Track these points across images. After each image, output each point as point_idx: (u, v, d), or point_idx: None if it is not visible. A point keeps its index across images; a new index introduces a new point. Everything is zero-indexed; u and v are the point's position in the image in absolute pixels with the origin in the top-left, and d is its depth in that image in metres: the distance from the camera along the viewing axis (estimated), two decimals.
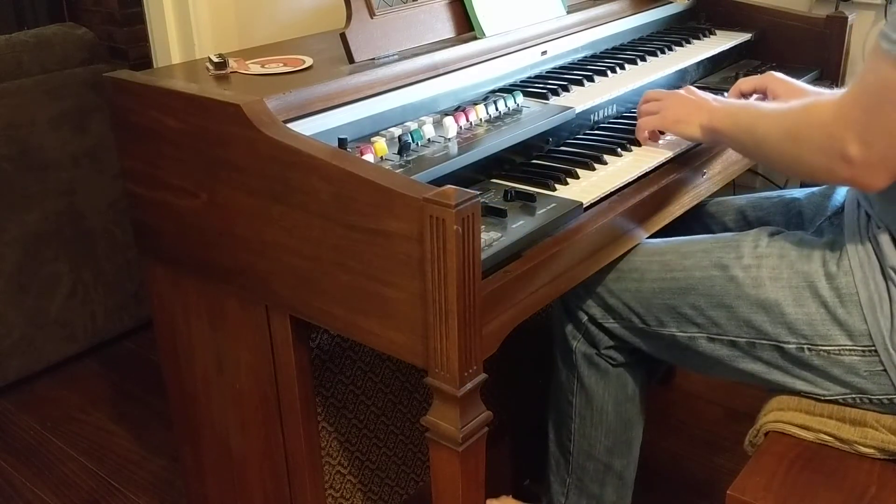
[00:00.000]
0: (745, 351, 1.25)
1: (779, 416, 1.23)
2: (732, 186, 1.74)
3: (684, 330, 1.29)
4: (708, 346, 1.28)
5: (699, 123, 1.32)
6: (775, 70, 1.73)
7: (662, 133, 1.46)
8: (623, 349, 1.40)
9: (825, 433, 1.19)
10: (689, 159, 1.44)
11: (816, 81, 1.84)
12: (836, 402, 1.21)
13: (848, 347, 1.16)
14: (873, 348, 1.14)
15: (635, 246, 1.35)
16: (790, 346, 1.20)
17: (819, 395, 1.21)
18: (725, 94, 1.67)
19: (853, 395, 1.19)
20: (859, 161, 1.03)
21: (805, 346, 1.19)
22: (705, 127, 1.32)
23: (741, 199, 1.63)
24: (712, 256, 1.28)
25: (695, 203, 1.46)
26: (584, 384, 1.44)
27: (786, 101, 1.44)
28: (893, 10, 1.00)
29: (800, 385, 1.23)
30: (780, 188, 2.49)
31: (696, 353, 1.31)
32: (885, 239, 1.14)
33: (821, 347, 1.18)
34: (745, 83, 1.55)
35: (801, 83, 1.51)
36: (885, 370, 1.14)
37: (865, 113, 1.02)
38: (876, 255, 1.15)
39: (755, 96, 1.60)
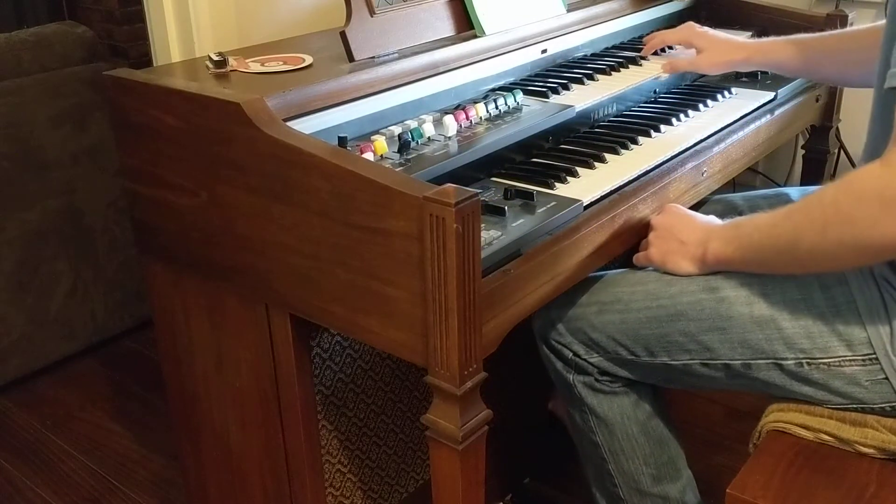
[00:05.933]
0: (741, 373, 1.22)
1: (780, 416, 1.23)
2: (733, 185, 1.74)
3: (676, 358, 1.25)
4: (702, 370, 1.25)
5: (691, 258, 1.23)
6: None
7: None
8: (616, 377, 1.34)
9: (825, 433, 1.19)
10: (690, 157, 1.44)
11: None
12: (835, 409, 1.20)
13: (848, 358, 1.14)
14: (874, 356, 1.13)
15: (613, 276, 1.32)
16: (788, 361, 1.18)
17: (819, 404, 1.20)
18: (727, 92, 1.67)
19: (853, 405, 1.17)
20: None
21: (804, 361, 1.17)
22: (702, 262, 1.22)
23: (738, 198, 1.62)
24: (699, 280, 1.24)
25: (695, 202, 1.46)
26: (599, 414, 1.36)
27: (708, 54, 1.53)
28: None
29: (799, 399, 1.21)
30: (780, 186, 2.49)
31: (690, 377, 1.27)
32: None
33: (820, 360, 1.16)
34: (668, 35, 1.60)
35: (721, 33, 1.53)
36: (886, 378, 1.13)
37: None
38: None
39: (677, 48, 1.64)
